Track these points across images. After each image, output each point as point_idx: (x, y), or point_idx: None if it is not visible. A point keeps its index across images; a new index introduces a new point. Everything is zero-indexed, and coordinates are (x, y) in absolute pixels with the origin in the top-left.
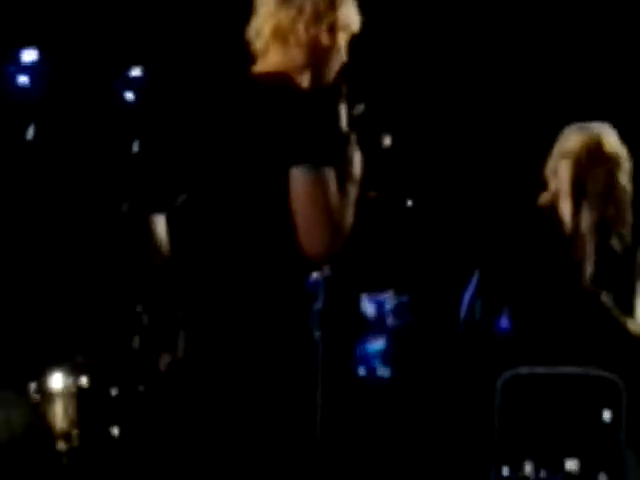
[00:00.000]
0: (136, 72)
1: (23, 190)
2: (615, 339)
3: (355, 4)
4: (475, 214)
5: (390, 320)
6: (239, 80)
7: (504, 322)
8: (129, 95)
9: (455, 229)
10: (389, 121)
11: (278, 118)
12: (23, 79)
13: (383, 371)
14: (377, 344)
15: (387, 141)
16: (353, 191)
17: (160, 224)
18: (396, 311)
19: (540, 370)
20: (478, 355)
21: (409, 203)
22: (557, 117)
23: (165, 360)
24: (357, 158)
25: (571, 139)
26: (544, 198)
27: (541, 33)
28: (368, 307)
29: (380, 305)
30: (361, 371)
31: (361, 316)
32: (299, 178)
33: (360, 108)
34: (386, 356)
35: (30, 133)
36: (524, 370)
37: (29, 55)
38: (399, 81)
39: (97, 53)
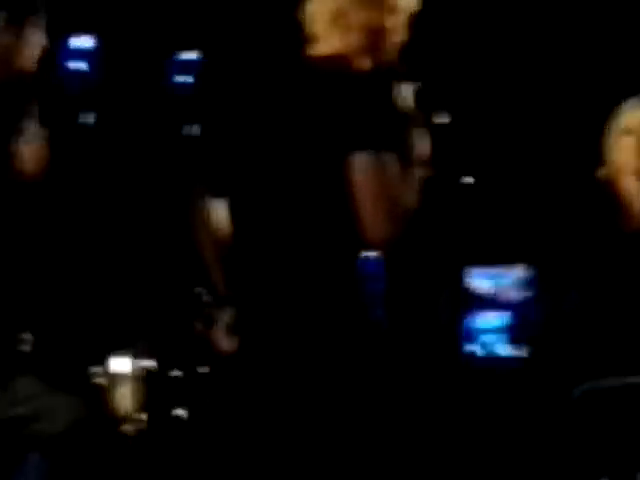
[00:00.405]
0: (192, 55)
1: (84, 176)
2: None
3: None
4: (535, 193)
5: (511, 294)
6: (297, 64)
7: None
8: (185, 79)
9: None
10: (446, 99)
11: (337, 102)
12: (80, 65)
13: (502, 349)
14: (495, 320)
15: (445, 119)
16: (417, 174)
17: (220, 209)
18: (516, 285)
19: (615, 382)
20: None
21: (470, 180)
22: (612, 93)
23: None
24: (423, 140)
25: (633, 115)
26: (603, 172)
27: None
28: (482, 282)
29: (497, 279)
30: (477, 350)
31: (469, 292)
32: (360, 162)
33: (445, 117)
34: (507, 333)
35: (90, 119)
36: (599, 384)
37: (86, 41)
38: (457, 59)
39: (152, 37)
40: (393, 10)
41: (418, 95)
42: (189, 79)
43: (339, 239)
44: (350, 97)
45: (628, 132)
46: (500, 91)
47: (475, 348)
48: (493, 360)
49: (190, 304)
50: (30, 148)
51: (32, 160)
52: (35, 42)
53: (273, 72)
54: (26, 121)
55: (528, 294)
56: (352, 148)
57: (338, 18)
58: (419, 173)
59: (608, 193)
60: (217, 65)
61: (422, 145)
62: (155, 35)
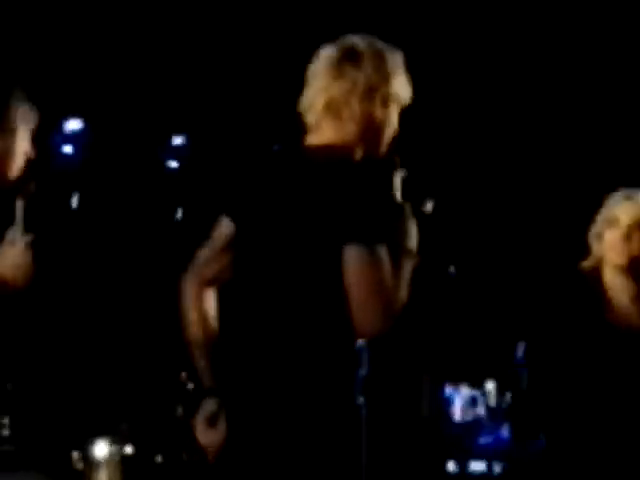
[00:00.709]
0: (179, 140)
1: (68, 258)
2: None
3: (406, 75)
4: (517, 281)
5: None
6: (292, 152)
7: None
8: (173, 163)
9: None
10: (431, 186)
11: (332, 193)
12: (67, 149)
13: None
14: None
15: (429, 207)
16: (408, 265)
17: (209, 298)
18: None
19: None
20: None
21: (452, 269)
22: (600, 182)
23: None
24: (412, 230)
25: (618, 208)
26: (587, 263)
27: (585, 107)
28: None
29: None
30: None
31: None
32: (353, 256)
33: (429, 205)
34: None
35: (74, 201)
36: None
37: (73, 124)
38: (442, 146)
39: (140, 122)
40: (386, 102)
41: (405, 184)
42: (175, 164)
43: (333, 330)
44: (344, 188)
45: (611, 224)
46: (485, 178)
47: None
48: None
49: (173, 390)
50: (13, 254)
51: (14, 267)
52: (20, 151)
53: (269, 159)
54: (10, 229)
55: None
56: (347, 240)
57: (333, 109)
58: (410, 263)
59: (592, 285)
60: (208, 150)
61: (412, 234)
62: (142, 120)
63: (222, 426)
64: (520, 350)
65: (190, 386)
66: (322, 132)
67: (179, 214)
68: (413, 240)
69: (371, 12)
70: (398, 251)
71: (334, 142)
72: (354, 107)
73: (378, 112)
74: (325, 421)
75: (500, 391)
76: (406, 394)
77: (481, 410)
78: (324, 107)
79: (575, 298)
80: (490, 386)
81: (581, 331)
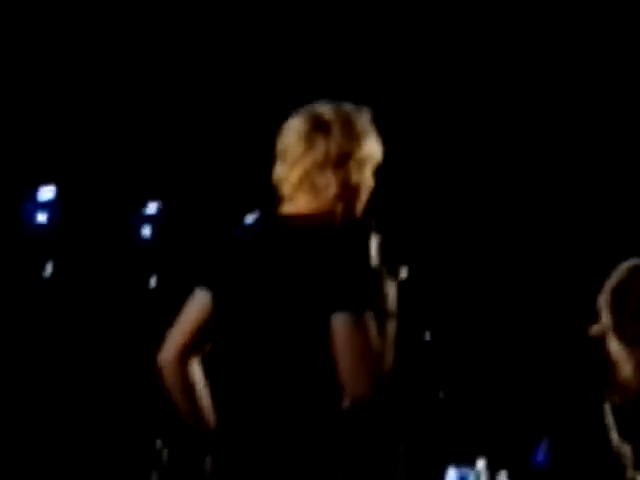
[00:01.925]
0: (153, 208)
1: (40, 326)
2: None
3: (376, 134)
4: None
5: None
6: (270, 221)
7: (540, 455)
8: (146, 231)
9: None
10: (406, 252)
11: (315, 262)
12: (41, 217)
13: None
14: None
15: (404, 273)
16: (392, 326)
17: (195, 370)
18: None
19: None
20: None
21: (427, 336)
22: (608, 247)
23: None
24: (392, 293)
25: (623, 275)
26: (595, 330)
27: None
28: None
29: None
30: None
31: None
32: (342, 324)
33: (404, 271)
34: None
35: (48, 270)
36: None
37: (46, 193)
38: (417, 211)
39: (113, 190)
40: (360, 165)
41: (381, 248)
42: (148, 231)
43: (321, 395)
44: (328, 257)
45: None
46: (469, 242)
47: None
48: None
49: (148, 457)
50: None
51: None
52: None
53: (246, 229)
54: None
55: None
56: (334, 309)
57: (308, 180)
58: (393, 325)
59: (597, 351)
60: (182, 217)
61: (391, 297)
62: (115, 188)
63: None
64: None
65: (165, 453)
66: (298, 202)
67: (153, 282)
68: (393, 302)
69: (342, 75)
70: (381, 313)
71: (311, 210)
72: (329, 176)
73: (353, 177)
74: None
75: (492, 470)
76: (382, 461)
77: None
78: (299, 179)
79: (580, 367)
80: (481, 465)
81: (580, 401)
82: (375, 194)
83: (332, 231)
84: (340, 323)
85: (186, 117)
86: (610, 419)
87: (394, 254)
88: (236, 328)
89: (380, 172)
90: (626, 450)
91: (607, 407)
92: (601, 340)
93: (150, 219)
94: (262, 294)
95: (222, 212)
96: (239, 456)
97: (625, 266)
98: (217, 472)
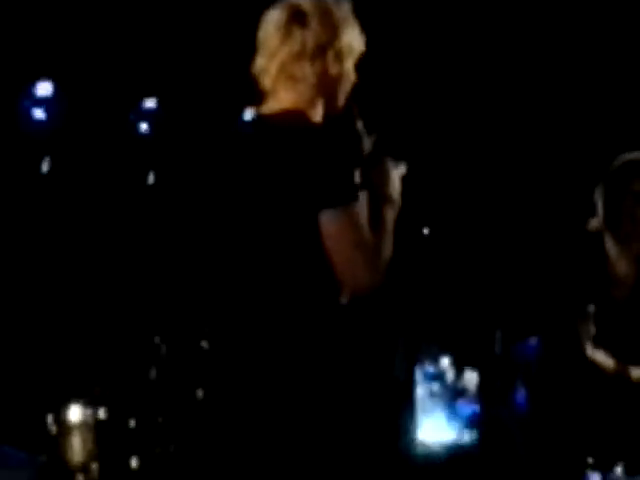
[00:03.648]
0: (150, 104)
1: (38, 224)
2: None
3: (357, 24)
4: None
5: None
6: (252, 122)
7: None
8: (144, 126)
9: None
10: (404, 151)
11: (296, 161)
12: (38, 112)
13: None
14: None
15: (402, 169)
16: (390, 213)
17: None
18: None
19: None
20: None
21: (425, 231)
22: (607, 146)
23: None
24: (392, 177)
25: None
26: (592, 225)
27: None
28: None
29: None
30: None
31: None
32: (329, 221)
33: (403, 167)
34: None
35: (45, 166)
36: None
37: (44, 88)
38: (421, 108)
39: (111, 85)
40: (339, 57)
41: (381, 143)
42: (146, 127)
43: (317, 292)
44: (308, 155)
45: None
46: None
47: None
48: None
49: (147, 353)
50: None
51: None
52: None
53: (228, 129)
54: None
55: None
56: (320, 207)
57: (286, 72)
58: (392, 211)
59: (597, 246)
60: (174, 113)
61: (391, 182)
62: (113, 83)
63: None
64: (498, 342)
65: (164, 348)
66: (279, 96)
67: (151, 178)
68: (394, 188)
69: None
70: (378, 199)
71: (292, 106)
72: (306, 67)
73: (332, 69)
74: (311, 382)
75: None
76: (381, 356)
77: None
78: (277, 71)
79: (579, 262)
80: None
81: (578, 293)
82: (376, 88)
83: (313, 129)
84: (326, 220)
85: (187, 9)
86: (588, 325)
87: (392, 147)
88: (224, 235)
89: (382, 65)
90: (599, 356)
91: (590, 310)
92: (599, 235)
93: (148, 115)
94: (248, 196)
95: (221, 107)
96: (235, 366)
97: (623, 160)
98: (213, 380)
